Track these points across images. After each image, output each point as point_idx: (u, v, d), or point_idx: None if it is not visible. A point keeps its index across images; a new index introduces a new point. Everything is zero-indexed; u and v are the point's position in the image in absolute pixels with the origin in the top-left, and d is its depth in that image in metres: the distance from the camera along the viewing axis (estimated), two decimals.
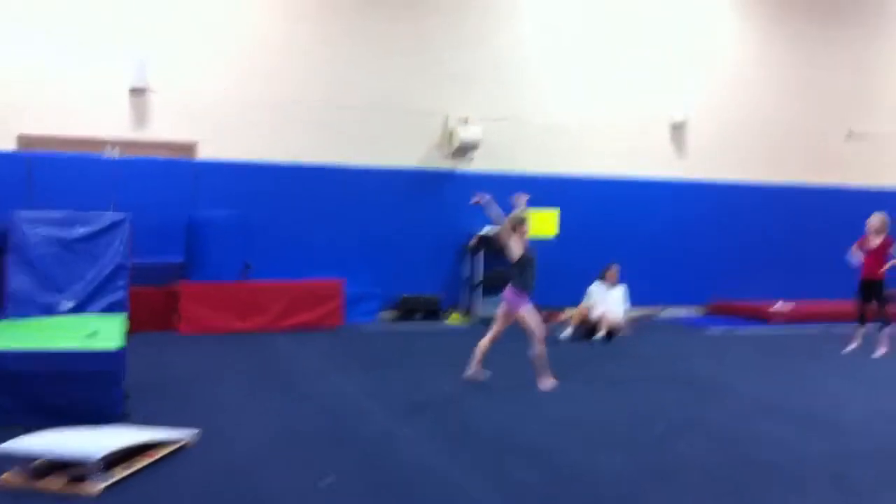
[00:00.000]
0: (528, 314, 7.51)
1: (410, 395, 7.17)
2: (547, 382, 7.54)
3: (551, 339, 10.31)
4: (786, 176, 14.69)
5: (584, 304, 11.13)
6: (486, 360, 7.66)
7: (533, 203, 12.68)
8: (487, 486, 4.70)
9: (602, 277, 11.38)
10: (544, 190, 13.20)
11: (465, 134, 12.74)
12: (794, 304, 13.25)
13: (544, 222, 13.04)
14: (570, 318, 11.10)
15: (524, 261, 7.49)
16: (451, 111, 13.00)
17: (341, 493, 4.58)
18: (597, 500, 4.57)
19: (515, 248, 7.50)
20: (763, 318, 13.09)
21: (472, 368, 7.66)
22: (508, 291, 7.54)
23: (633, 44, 13.96)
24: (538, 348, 7.55)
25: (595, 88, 13.75)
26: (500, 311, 7.61)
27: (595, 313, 10.99)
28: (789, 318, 12.95)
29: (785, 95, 14.77)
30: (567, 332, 10.88)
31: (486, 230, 12.48)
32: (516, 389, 7.49)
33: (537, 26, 13.54)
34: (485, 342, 7.63)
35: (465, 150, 12.92)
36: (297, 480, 4.79)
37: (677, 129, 14.26)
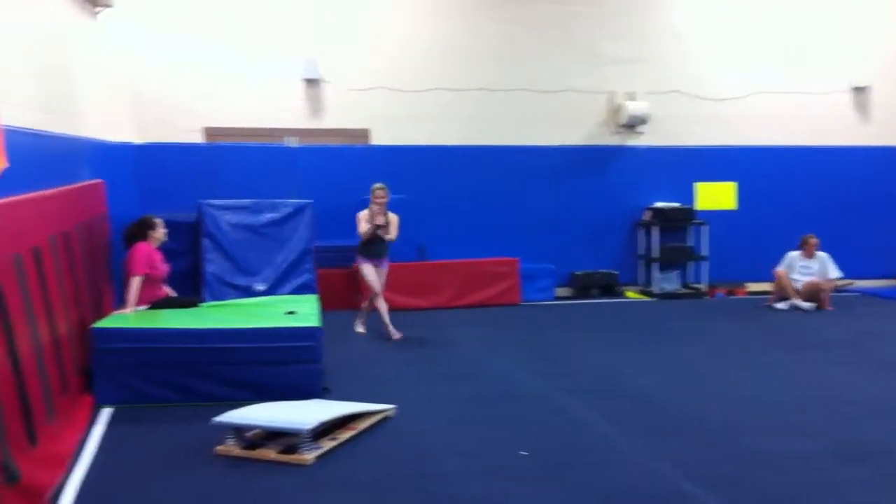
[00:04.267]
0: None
1: (592, 372, 7.20)
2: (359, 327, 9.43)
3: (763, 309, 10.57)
4: None
5: (779, 269, 11.13)
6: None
7: (708, 176, 12.56)
8: (671, 468, 4.67)
9: (800, 248, 11.20)
10: (719, 162, 12.86)
11: (633, 108, 12.54)
12: None
13: (722, 195, 12.67)
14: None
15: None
16: (616, 88, 12.82)
17: (523, 474, 4.67)
18: (784, 485, 4.45)
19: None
20: None
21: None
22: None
23: (804, 7, 13.25)
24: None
25: (766, 56, 13.14)
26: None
27: (794, 283, 11.02)
28: None
29: None
30: (780, 303, 10.92)
31: (659, 204, 12.27)
32: (698, 369, 7.41)
33: None
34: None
35: (633, 124, 12.72)
36: (479, 460, 4.92)
37: (859, 94, 13.46)
